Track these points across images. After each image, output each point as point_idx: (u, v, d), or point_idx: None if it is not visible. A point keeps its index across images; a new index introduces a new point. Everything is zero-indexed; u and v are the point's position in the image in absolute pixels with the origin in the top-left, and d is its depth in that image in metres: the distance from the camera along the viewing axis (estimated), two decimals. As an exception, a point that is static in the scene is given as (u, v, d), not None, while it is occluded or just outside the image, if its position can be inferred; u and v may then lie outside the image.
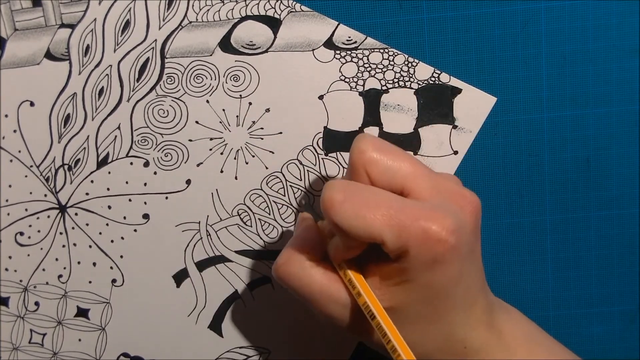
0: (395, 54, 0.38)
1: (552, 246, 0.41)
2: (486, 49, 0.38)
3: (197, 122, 0.38)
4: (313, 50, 0.38)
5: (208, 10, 0.37)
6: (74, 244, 0.40)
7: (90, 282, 0.41)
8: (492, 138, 0.39)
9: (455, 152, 0.39)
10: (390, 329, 0.30)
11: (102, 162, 0.39)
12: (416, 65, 0.38)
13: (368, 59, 0.38)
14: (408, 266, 0.30)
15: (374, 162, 0.31)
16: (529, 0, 0.37)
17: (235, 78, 0.38)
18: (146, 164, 0.39)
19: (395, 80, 0.38)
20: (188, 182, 0.39)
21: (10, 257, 0.41)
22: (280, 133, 0.39)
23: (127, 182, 0.39)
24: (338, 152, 0.39)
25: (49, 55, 0.38)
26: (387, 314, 0.30)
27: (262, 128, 0.39)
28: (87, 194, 0.40)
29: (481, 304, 0.32)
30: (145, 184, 0.39)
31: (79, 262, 0.40)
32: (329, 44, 0.38)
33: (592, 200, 0.40)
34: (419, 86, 0.38)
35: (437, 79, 0.38)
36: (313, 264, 0.32)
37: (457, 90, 0.38)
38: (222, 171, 0.39)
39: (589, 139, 0.39)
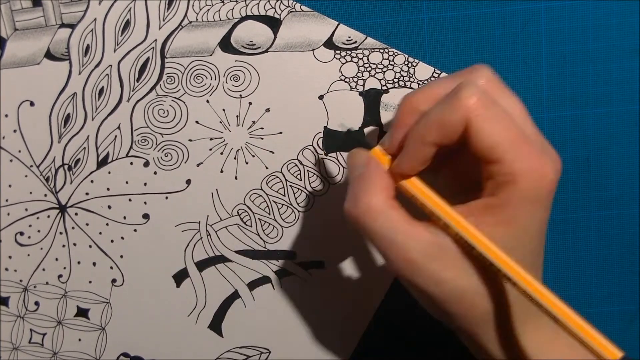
0: (395, 54, 0.38)
1: (552, 246, 0.41)
2: (486, 49, 0.38)
3: (197, 122, 0.39)
4: (313, 50, 0.38)
5: (208, 10, 0.38)
6: (74, 244, 0.40)
7: (90, 282, 0.41)
8: (492, 138, 0.39)
9: None
10: (495, 255, 0.28)
11: (102, 162, 0.39)
12: (416, 65, 0.38)
13: (368, 59, 0.38)
14: (511, 197, 0.28)
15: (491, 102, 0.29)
16: (529, 0, 0.38)
17: (235, 78, 0.38)
18: (146, 164, 0.39)
19: (396, 80, 0.38)
20: (188, 182, 0.39)
21: (10, 257, 0.41)
22: (280, 133, 0.39)
23: (127, 182, 0.39)
24: (338, 152, 0.39)
25: (49, 55, 0.38)
26: None
27: (262, 128, 0.39)
28: (87, 193, 0.40)
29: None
30: (145, 184, 0.39)
31: (79, 262, 0.40)
32: (329, 44, 0.38)
33: (592, 200, 0.40)
34: (419, 86, 0.38)
35: (437, 78, 0.38)
36: (393, 202, 0.29)
37: (457, 90, 0.38)
38: (222, 171, 0.39)
39: (589, 139, 0.39)
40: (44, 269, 0.41)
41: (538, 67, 0.38)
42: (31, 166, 0.39)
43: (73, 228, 0.40)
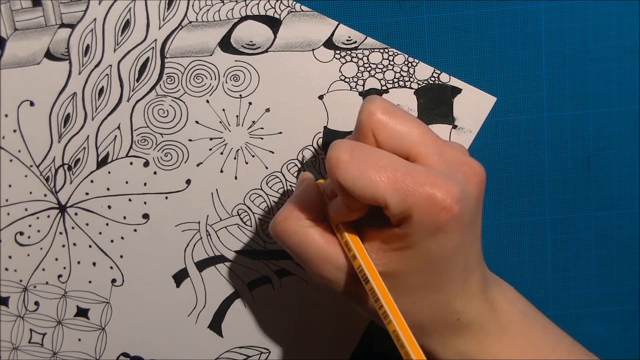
0: (395, 54, 0.38)
1: (552, 246, 0.41)
2: (486, 49, 0.38)
3: (197, 122, 0.39)
4: (313, 50, 0.38)
5: (208, 10, 0.38)
6: (74, 244, 0.40)
7: (90, 282, 0.41)
8: (492, 138, 0.39)
9: None
10: (383, 293, 0.29)
11: (102, 162, 0.39)
12: (416, 65, 0.38)
13: (368, 59, 0.38)
14: (409, 232, 0.29)
15: (382, 125, 0.30)
16: (529, 0, 0.38)
17: (235, 78, 0.38)
18: (146, 164, 0.39)
19: (395, 80, 0.38)
20: (188, 182, 0.39)
21: (10, 257, 0.41)
22: (280, 133, 0.39)
23: (127, 182, 0.39)
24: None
25: (49, 55, 0.38)
26: (382, 279, 0.30)
27: (262, 128, 0.39)
28: (87, 193, 0.40)
29: (478, 277, 0.32)
30: (145, 184, 0.39)
31: (78, 262, 0.40)
32: (329, 44, 0.38)
33: (592, 200, 0.40)
34: (419, 86, 0.38)
35: (437, 78, 0.38)
36: (312, 223, 0.32)
37: (457, 90, 0.38)
38: (222, 171, 0.39)
39: (589, 139, 0.39)
40: (43, 269, 0.41)
41: (538, 67, 0.38)
42: (31, 166, 0.39)
43: (73, 228, 0.40)
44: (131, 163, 0.39)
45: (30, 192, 0.40)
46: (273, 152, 0.39)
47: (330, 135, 0.39)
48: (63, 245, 0.40)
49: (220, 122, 0.39)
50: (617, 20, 0.38)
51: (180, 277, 0.40)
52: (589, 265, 0.41)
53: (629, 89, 0.38)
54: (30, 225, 0.40)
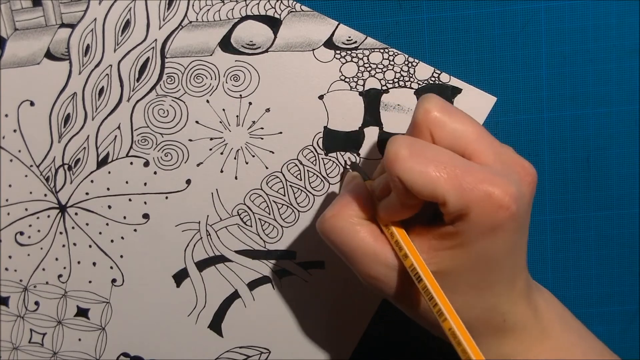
0: (395, 53, 0.38)
1: (552, 246, 0.41)
2: (486, 49, 0.38)
3: (197, 122, 0.39)
4: (313, 50, 0.38)
5: (208, 10, 0.38)
6: (74, 244, 0.40)
7: (90, 281, 0.41)
8: (492, 138, 0.39)
9: None
10: (437, 291, 0.29)
11: (102, 162, 0.39)
12: (416, 65, 0.38)
13: (368, 59, 0.38)
14: (464, 230, 0.29)
15: (440, 122, 0.30)
16: (529, 0, 0.38)
17: (235, 78, 0.38)
18: (146, 164, 0.39)
19: (396, 80, 0.38)
20: (188, 182, 0.39)
21: (10, 257, 0.41)
22: (280, 133, 0.39)
23: (127, 182, 0.39)
24: (338, 152, 0.39)
25: (49, 55, 0.38)
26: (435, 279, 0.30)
27: (262, 128, 0.39)
28: (87, 193, 0.40)
29: (523, 280, 0.32)
30: (145, 184, 0.39)
31: (79, 262, 0.41)
32: (329, 43, 0.38)
33: (592, 200, 0.40)
34: (419, 86, 0.38)
35: (437, 78, 0.38)
36: (361, 221, 0.32)
37: (457, 90, 0.38)
38: (222, 171, 0.39)
39: (589, 139, 0.39)
40: (44, 269, 0.41)
41: (538, 67, 0.38)
42: (31, 166, 0.39)
43: (73, 228, 0.40)
44: (131, 163, 0.39)
45: (31, 192, 0.40)
46: (273, 152, 0.39)
47: (330, 135, 0.39)
48: (63, 245, 0.40)
49: (221, 122, 0.39)
50: (617, 20, 0.38)
51: (180, 277, 0.40)
52: (589, 265, 0.41)
53: (629, 89, 0.38)
54: (30, 225, 0.40)
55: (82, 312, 0.41)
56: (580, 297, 0.42)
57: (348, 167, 0.39)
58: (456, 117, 0.31)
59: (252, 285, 0.40)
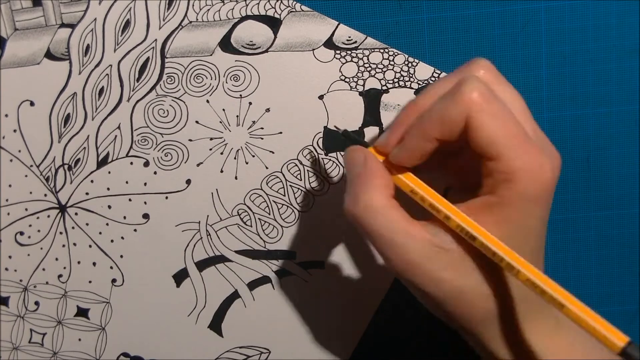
0: (395, 53, 0.38)
1: (552, 246, 0.41)
2: (486, 49, 0.38)
3: (197, 122, 0.39)
4: (313, 50, 0.38)
5: (208, 10, 0.38)
6: (74, 244, 0.40)
7: (90, 281, 0.41)
8: (492, 138, 0.39)
9: None
10: (496, 244, 0.28)
11: (102, 162, 0.39)
12: (416, 65, 0.38)
13: (368, 59, 0.38)
14: (506, 196, 0.28)
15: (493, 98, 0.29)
16: (529, 0, 0.38)
17: (235, 78, 0.38)
18: (146, 164, 0.39)
19: (396, 80, 0.38)
20: (188, 182, 0.39)
21: (10, 257, 0.41)
22: (281, 133, 0.39)
23: (127, 182, 0.39)
24: (337, 152, 0.39)
25: (49, 55, 0.38)
26: None
27: (262, 128, 0.39)
28: (87, 193, 0.40)
29: (542, 262, 0.31)
30: (145, 184, 0.39)
31: (79, 262, 0.41)
32: (329, 43, 0.38)
33: (592, 200, 0.40)
34: (419, 86, 0.38)
35: (437, 78, 0.38)
36: (390, 202, 0.29)
37: (457, 90, 0.38)
38: (222, 171, 0.39)
39: (589, 139, 0.39)
40: (44, 269, 0.41)
41: (538, 67, 0.39)
42: (31, 166, 0.40)
43: (73, 228, 0.40)
44: (131, 163, 0.39)
45: (31, 192, 0.40)
46: (273, 152, 0.39)
47: (330, 135, 0.39)
48: (63, 245, 0.40)
49: (221, 122, 0.39)
50: (617, 20, 0.38)
51: (180, 277, 0.40)
52: (589, 265, 0.41)
53: (629, 89, 0.39)
54: (30, 225, 0.41)
55: (82, 312, 0.42)
56: (580, 297, 0.41)
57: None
58: (504, 86, 0.31)
59: (252, 285, 0.41)
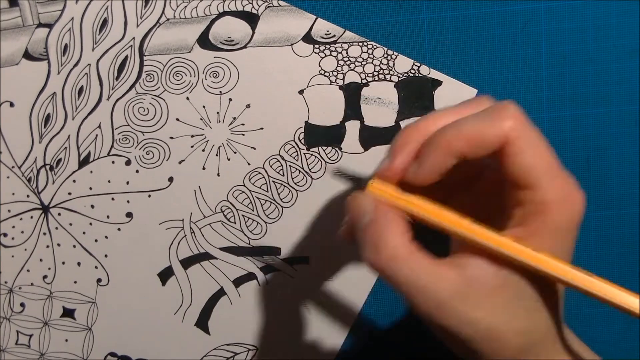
0: (374, 47, 0.42)
1: (551, 246, 0.45)
2: (486, 49, 0.42)
3: (177, 119, 0.43)
4: (292, 45, 0.42)
5: (185, 7, 0.42)
6: (58, 244, 0.46)
7: (75, 282, 0.46)
8: (492, 137, 0.43)
9: None
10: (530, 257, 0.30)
11: (83, 162, 0.44)
12: (395, 57, 0.42)
13: (347, 53, 0.42)
14: (542, 228, 0.30)
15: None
16: (529, 0, 0.41)
17: (214, 74, 0.42)
18: (128, 163, 0.44)
19: (375, 73, 0.42)
20: (170, 179, 0.44)
21: (-6, 259, 0.47)
22: (262, 129, 0.43)
23: (109, 181, 0.44)
24: (319, 147, 0.43)
25: (27, 56, 0.43)
26: None
27: (243, 124, 0.43)
28: (69, 193, 0.45)
29: None
30: (127, 183, 0.44)
31: (63, 262, 0.46)
32: (308, 38, 0.42)
33: (592, 200, 0.43)
34: (399, 79, 0.42)
35: (417, 71, 0.42)
36: (413, 246, 0.31)
37: (437, 83, 0.42)
38: (204, 168, 0.44)
39: (589, 139, 0.43)
40: (28, 270, 0.46)
41: (538, 67, 0.42)
42: (13, 167, 0.45)
43: (57, 228, 0.45)
44: (113, 162, 0.44)
45: (13, 193, 0.45)
46: (255, 148, 0.43)
47: (311, 130, 0.43)
48: (47, 246, 0.46)
49: (201, 119, 0.43)
50: (617, 20, 0.40)
51: (165, 275, 0.46)
52: (589, 265, 0.45)
53: (629, 89, 0.42)
54: (13, 227, 0.46)
55: (68, 313, 0.47)
56: (581, 297, 0.45)
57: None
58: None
59: (238, 282, 0.46)
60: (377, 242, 0.31)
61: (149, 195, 0.44)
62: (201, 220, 0.45)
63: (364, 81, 0.42)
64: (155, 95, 0.43)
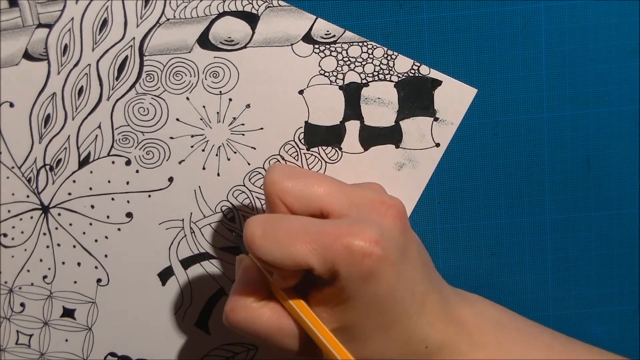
0: (374, 47, 0.42)
1: (552, 246, 0.45)
2: (486, 49, 0.42)
3: (177, 119, 0.43)
4: (292, 45, 0.42)
5: (185, 7, 0.42)
6: (58, 244, 0.46)
7: (75, 282, 0.46)
8: (492, 138, 0.43)
9: (437, 145, 0.43)
10: (336, 348, 0.35)
11: (83, 162, 0.44)
12: (395, 57, 0.42)
13: (347, 53, 0.42)
14: (343, 285, 0.34)
15: (287, 190, 0.35)
16: (529, 0, 0.41)
17: (214, 74, 0.43)
18: (128, 163, 0.44)
19: (375, 73, 0.42)
20: (170, 179, 0.44)
21: (-6, 259, 0.47)
22: (262, 129, 0.43)
23: (109, 181, 0.45)
24: (319, 147, 0.43)
25: (27, 56, 0.43)
26: (340, 334, 0.35)
27: (243, 124, 0.43)
28: (69, 194, 0.45)
29: (434, 300, 0.37)
30: (127, 183, 0.45)
31: (63, 263, 0.46)
32: (308, 38, 0.42)
33: (592, 200, 0.44)
34: (399, 79, 0.42)
35: (417, 71, 0.42)
36: (260, 304, 0.37)
37: (437, 82, 0.42)
38: (204, 168, 0.44)
39: (589, 139, 0.43)
40: (28, 270, 0.46)
41: (538, 67, 0.42)
42: (12, 167, 0.45)
43: (57, 228, 0.46)
44: (113, 162, 0.44)
45: (13, 194, 0.45)
46: (255, 148, 0.44)
47: (311, 130, 0.43)
48: (47, 246, 0.46)
49: (201, 119, 0.43)
50: (617, 20, 0.41)
51: (165, 275, 0.46)
52: (589, 265, 0.45)
53: (629, 89, 0.42)
54: (13, 227, 0.46)
55: (68, 313, 0.47)
56: (580, 297, 0.46)
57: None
58: (302, 179, 0.36)
59: (238, 282, 0.46)
60: (228, 299, 0.38)
61: (149, 195, 0.45)
62: (201, 220, 0.45)
63: (364, 81, 0.43)
64: (155, 96, 0.43)
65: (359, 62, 0.42)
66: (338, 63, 0.42)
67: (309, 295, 0.36)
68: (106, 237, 0.46)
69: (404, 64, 0.42)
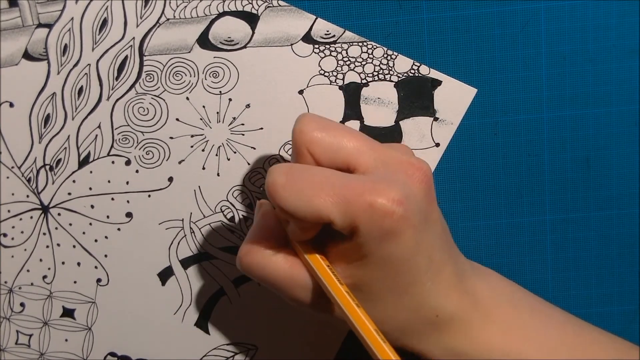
0: (374, 47, 0.42)
1: (552, 246, 0.45)
2: (486, 49, 0.42)
3: (177, 119, 0.44)
4: (291, 45, 0.42)
5: (185, 7, 0.42)
6: (58, 244, 0.46)
7: (75, 282, 0.47)
8: (492, 138, 0.43)
9: (437, 144, 0.44)
10: (347, 305, 0.34)
11: (83, 162, 0.45)
12: (395, 57, 0.42)
13: (347, 53, 0.42)
14: (361, 241, 0.33)
15: (316, 141, 0.34)
16: (529, 0, 0.41)
17: (214, 74, 0.43)
18: (128, 163, 0.44)
19: (375, 73, 0.43)
20: (170, 179, 0.45)
21: (-6, 259, 0.47)
22: (262, 128, 0.44)
23: (109, 181, 0.45)
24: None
25: (27, 56, 0.43)
26: (353, 291, 0.35)
27: (242, 124, 0.44)
28: (69, 193, 0.45)
29: (450, 271, 0.36)
30: (127, 183, 0.45)
31: (63, 262, 0.46)
32: (307, 38, 0.42)
33: (592, 200, 0.44)
34: (399, 79, 0.43)
35: (416, 71, 0.43)
36: (274, 251, 0.36)
37: (437, 82, 0.43)
38: (204, 168, 0.44)
39: (589, 139, 0.43)
40: (28, 270, 0.47)
41: (538, 67, 0.42)
42: (12, 167, 0.45)
43: (56, 228, 0.46)
44: (113, 162, 0.44)
45: (13, 194, 0.46)
46: (255, 148, 0.44)
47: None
48: (47, 246, 0.46)
49: (201, 119, 0.43)
50: (617, 20, 0.41)
51: (165, 275, 0.46)
52: (589, 265, 0.45)
53: (629, 89, 0.42)
54: (13, 227, 0.46)
55: (67, 313, 0.47)
56: (580, 297, 0.46)
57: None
58: (332, 131, 0.35)
59: (238, 281, 0.46)
60: (244, 242, 0.37)
61: (149, 195, 0.45)
62: (201, 220, 0.45)
63: (364, 81, 0.43)
64: (155, 95, 0.43)
65: (358, 62, 0.42)
66: (338, 63, 0.43)
67: (326, 248, 0.36)
68: (106, 237, 0.46)
69: (403, 64, 0.42)
